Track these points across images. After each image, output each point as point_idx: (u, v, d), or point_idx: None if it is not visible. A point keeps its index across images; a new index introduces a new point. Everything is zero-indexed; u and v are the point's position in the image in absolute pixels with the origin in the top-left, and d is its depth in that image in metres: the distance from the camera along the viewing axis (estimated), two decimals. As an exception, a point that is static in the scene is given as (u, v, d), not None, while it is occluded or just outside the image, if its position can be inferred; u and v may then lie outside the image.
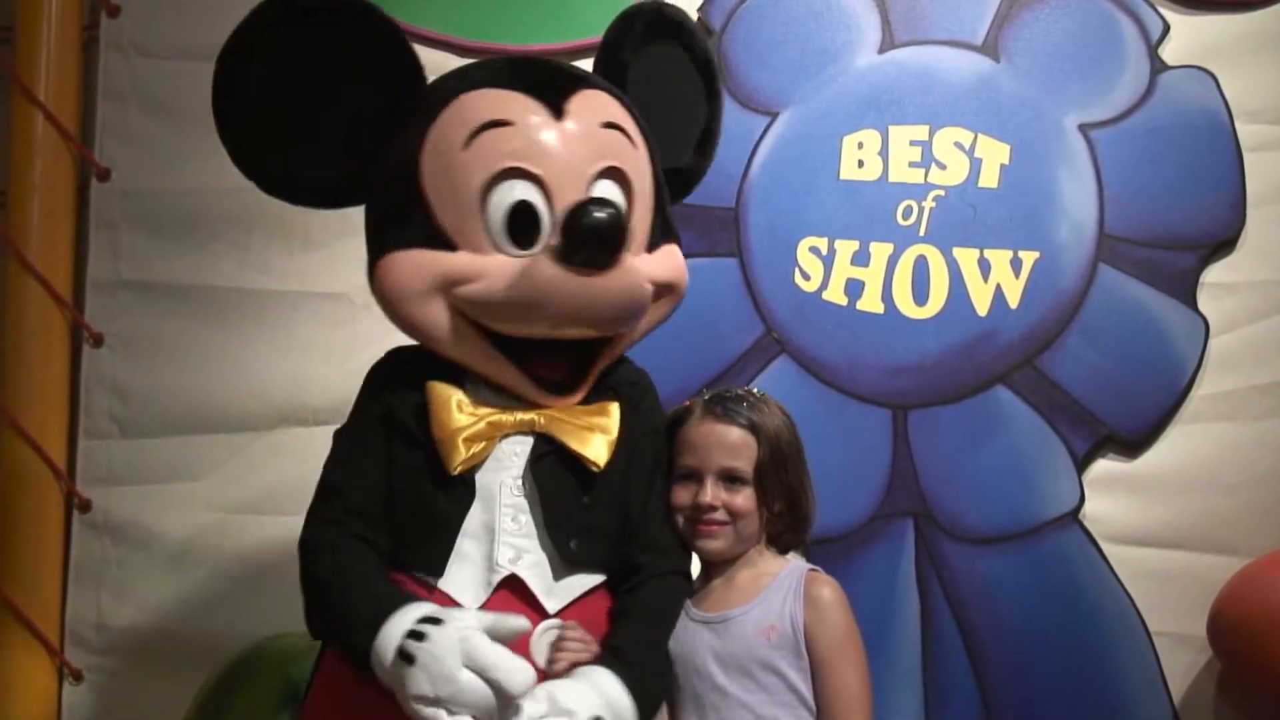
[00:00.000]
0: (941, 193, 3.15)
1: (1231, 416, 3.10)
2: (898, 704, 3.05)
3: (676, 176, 2.38)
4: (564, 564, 2.09)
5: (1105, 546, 3.06)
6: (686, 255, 3.07)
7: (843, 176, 3.17)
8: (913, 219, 3.15)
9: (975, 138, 3.17)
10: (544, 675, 1.99)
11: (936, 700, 3.05)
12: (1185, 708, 3.05)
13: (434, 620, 1.91)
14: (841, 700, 2.16)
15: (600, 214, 1.99)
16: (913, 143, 3.17)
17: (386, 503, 2.12)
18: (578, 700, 1.94)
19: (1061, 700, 3.04)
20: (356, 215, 3.22)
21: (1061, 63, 3.20)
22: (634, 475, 2.19)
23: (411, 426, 2.11)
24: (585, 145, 2.10)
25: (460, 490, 2.08)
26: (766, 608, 2.19)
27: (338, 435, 2.21)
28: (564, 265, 2.00)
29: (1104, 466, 3.11)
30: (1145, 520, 3.09)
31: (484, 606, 2.04)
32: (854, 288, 3.14)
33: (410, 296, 2.10)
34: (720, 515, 2.19)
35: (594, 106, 2.14)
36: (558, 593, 2.09)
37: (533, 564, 2.07)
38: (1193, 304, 3.11)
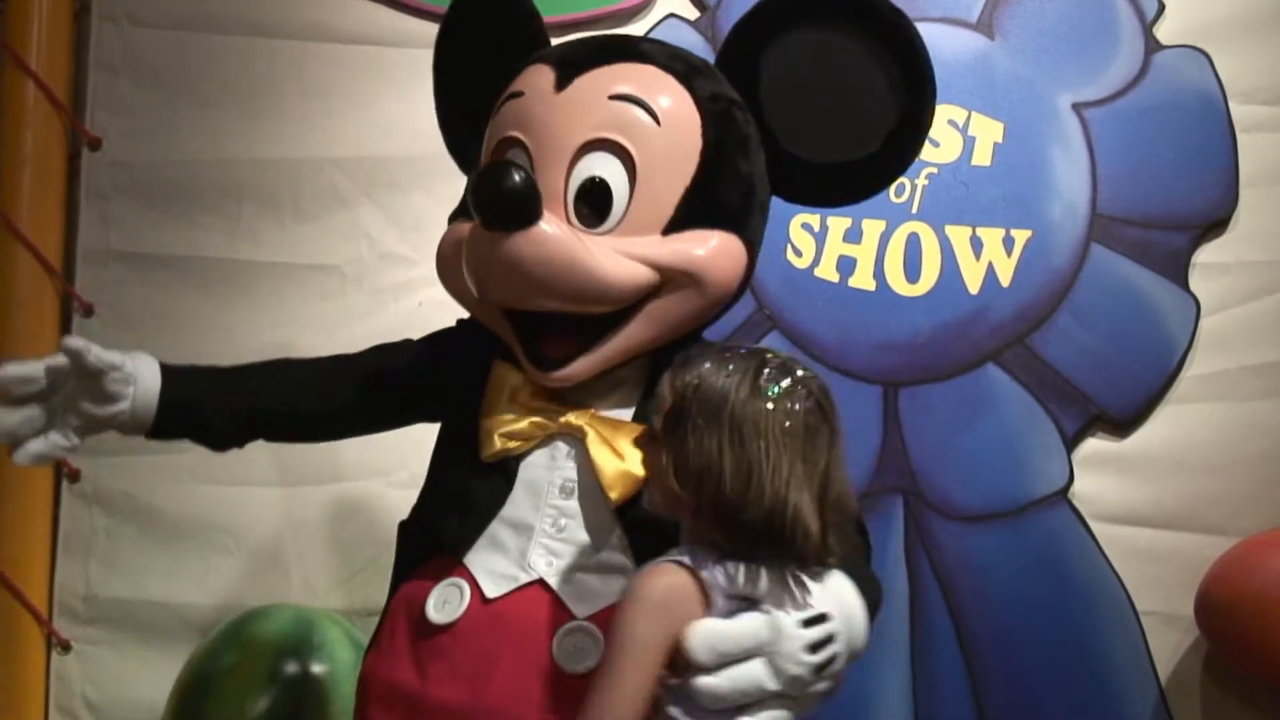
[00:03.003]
0: (934, 170, 3.15)
1: (1222, 397, 3.10)
2: (885, 681, 3.05)
3: (853, 171, 2.22)
4: (604, 571, 2.04)
5: (1094, 525, 3.06)
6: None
7: (836, 153, 3.17)
8: (905, 196, 3.14)
9: (969, 115, 3.16)
10: (566, 675, 1.96)
11: (924, 677, 3.06)
12: (1172, 687, 3.05)
13: None
14: (588, 706, 1.78)
15: (500, 177, 1.94)
16: (906, 120, 3.17)
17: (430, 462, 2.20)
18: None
19: (1049, 678, 3.04)
20: (346, 188, 3.25)
21: (1056, 41, 3.18)
22: None
23: (468, 395, 2.14)
24: (578, 115, 2.07)
25: (497, 477, 2.07)
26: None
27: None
28: (481, 229, 1.97)
29: (1094, 446, 3.11)
30: (1134, 500, 3.09)
31: (505, 601, 2.01)
32: (846, 265, 3.14)
33: (443, 263, 2.15)
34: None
35: (611, 79, 2.10)
36: (589, 599, 2.02)
37: (563, 570, 2.03)
38: (1184, 284, 3.11)
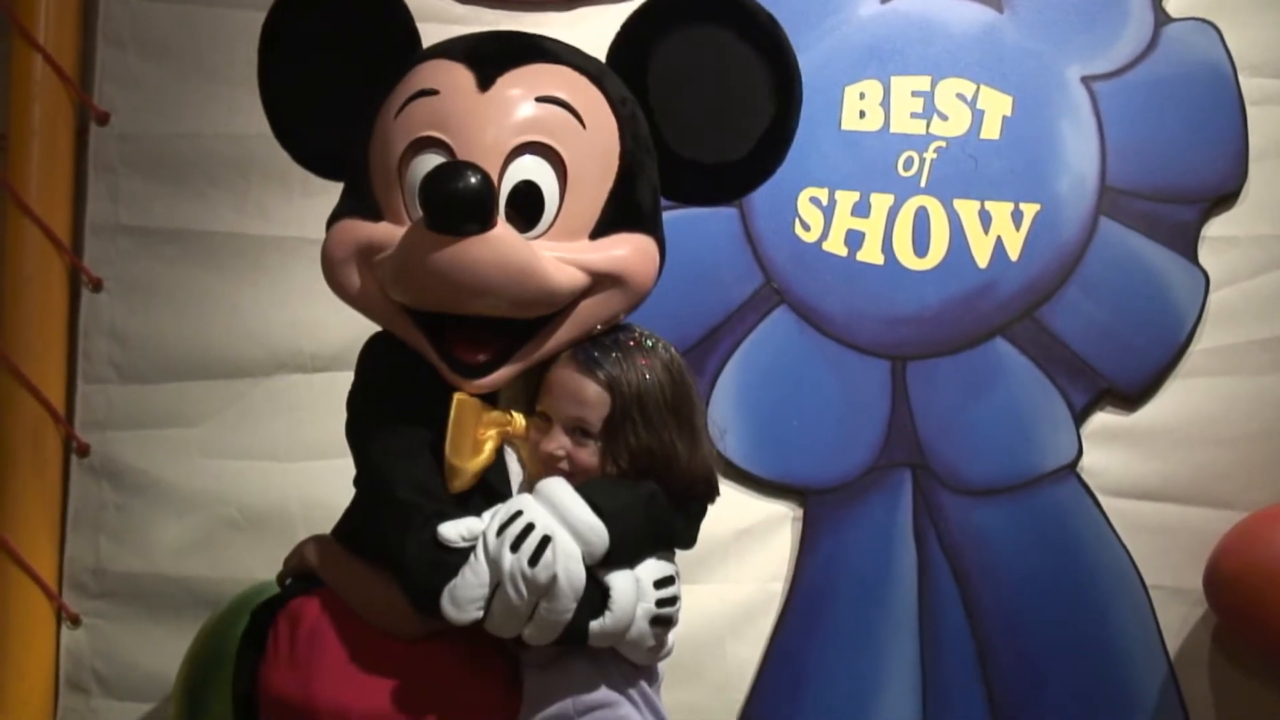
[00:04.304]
0: (943, 144, 3.14)
1: (1230, 371, 3.10)
2: (893, 653, 3.06)
3: (729, 171, 2.26)
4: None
5: (1102, 499, 3.07)
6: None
7: (844, 127, 3.16)
8: (914, 170, 3.14)
9: (977, 89, 3.16)
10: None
11: (932, 651, 3.06)
12: (1180, 660, 3.06)
13: None
14: None
15: (456, 180, 1.91)
16: (914, 93, 3.16)
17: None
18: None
19: (1057, 651, 3.06)
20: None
21: (1065, 14, 3.19)
22: None
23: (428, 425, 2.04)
24: (506, 117, 2.02)
25: (488, 499, 2.03)
26: None
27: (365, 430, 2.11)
28: (428, 231, 1.93)
29: (1102, 419, 3.12)
30: (1143, 473, 3.10)
31: None
32: (854, 238, 3.13)
33: (335, 264, 2.09)
34: (565, 466, 2.01)
35: (535, 80, 2.06)
36: None
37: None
38: (1193, 258, 3.11)
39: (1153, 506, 3.09)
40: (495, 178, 1.97)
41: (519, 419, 2.05)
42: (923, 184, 3.14)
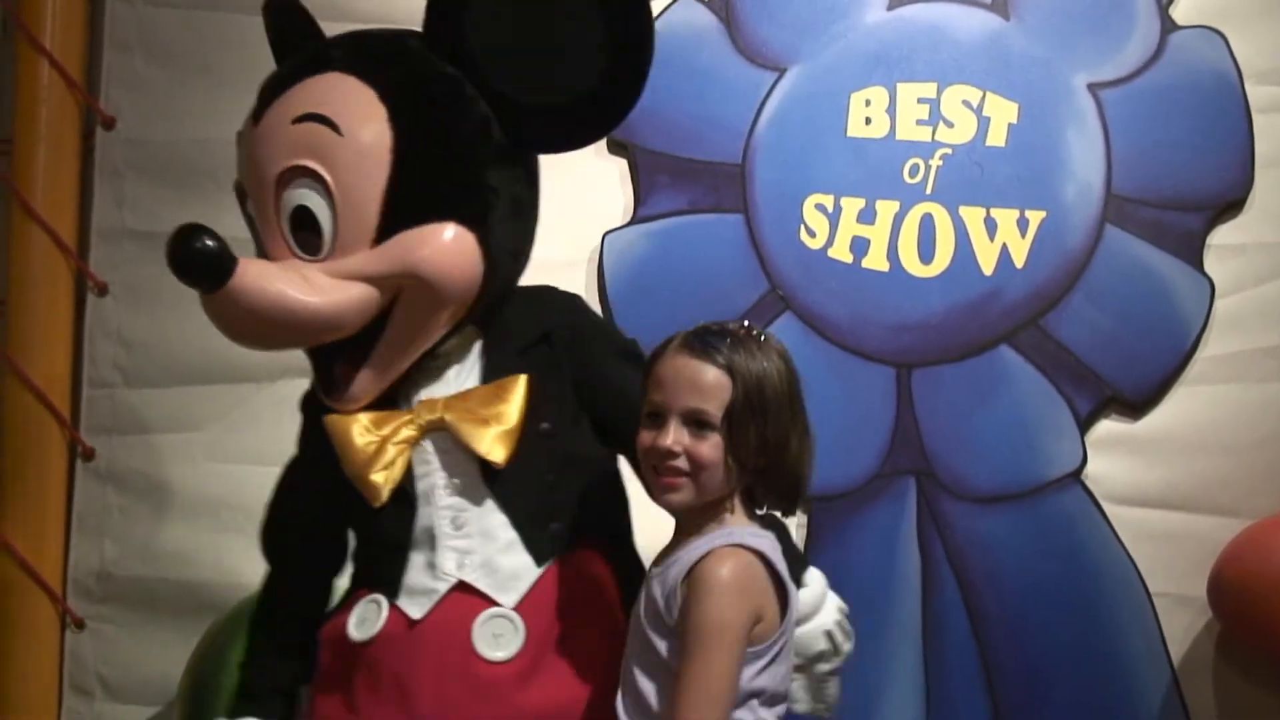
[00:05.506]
0: (949, 151, 3.14)
1: (1236, 378, 3.09)
2: (897, 660, 3.06)
3: (588, 103, 2.08)
4: (506, 550, 2.04)
5: (1107, 507, 3.06)
6: (692, 210, 3.14)
7: (850, 134, 3.16)
8: (919, 177, 3.14)
9: (984, 96, 3.15)
10: (487, 665, 1.98)
11: (936, 657, 3.06)
12: (1184, 669, 3.05)
13: None
14: (691, 698, 1.81)
15: (177, 248, 1.94)
16: (920, 100, 3.16)
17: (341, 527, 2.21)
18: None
19: (1061, 659, 3.04)
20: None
21: (1071, 21, 3.17)
22: (576, 409, 2.13)
23: (332, 464, 2.10)
24: (268, 148, 2.04)
25: (401, 504, 2.06)
26: (667, 577, 1.91)
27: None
28: None
29: (1107, 427, 3.11)
30: (1147, 481, 3.09)
31: (433, 614, 2.01)
32: (859, 245, 3.13)
33: None
34: (682, 463, 1.87)
35: (295, 100, 2.03)
36: (510, 584, 2.03)
37: (479, 564, 2.03)
38: (1199, 265, 3.10)
39: (1157, 514, 3.08)
40: (273, 209, 2.02)
41: (424, 408, 2.05)
42: (928, 191, 3.13)
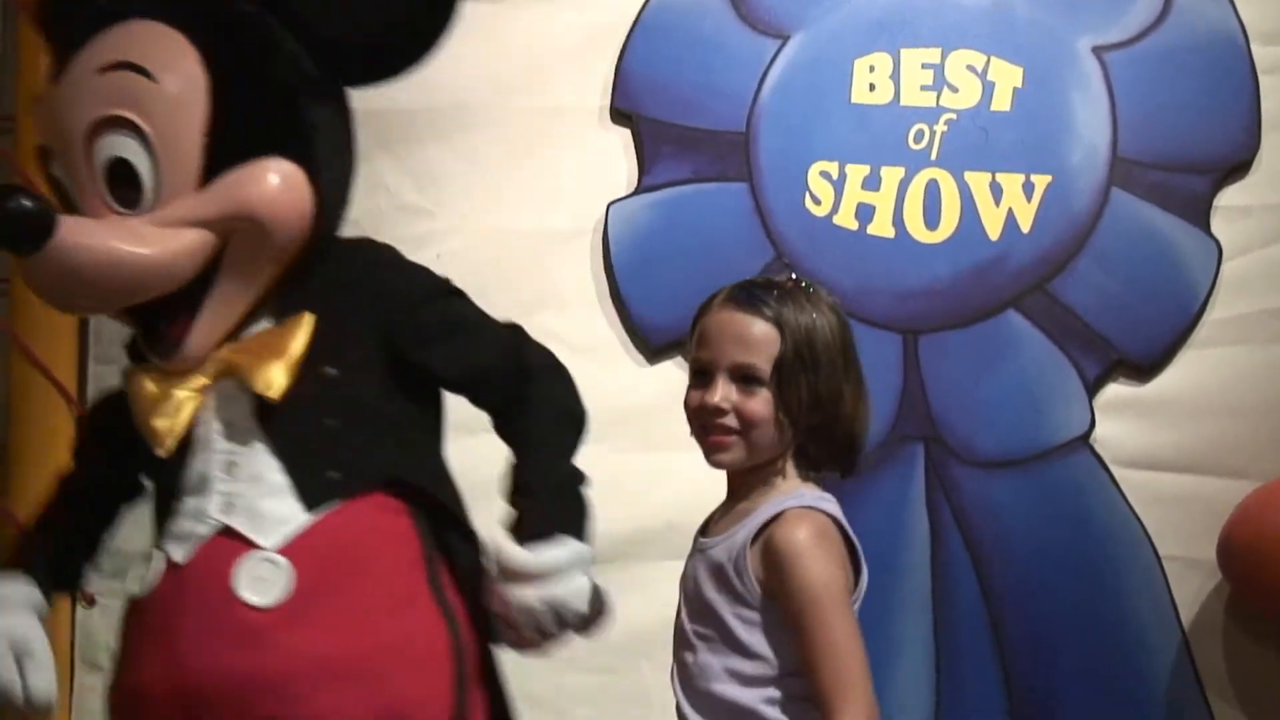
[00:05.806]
0: (953, 116, 3.13)
1: (1243, 340, 3.09)
2: (907, 628, 3.06)
3: (399, 31, 2.04)
4: (273, 494, 1.95)
5: (1115, 470, 3.07)
6: (697, 179, 3.13)
7: (854, 100, 3.15)
8: (924, 143, 3.13)
9: (988, 60, 3.15)
10: (249, 609, 1.91)
11: (945, 622, 3.07)
12: (1194, 631, 3.06)
13: None
14: (828, 662, 1.79)
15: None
16: (924, 66, 3.15)
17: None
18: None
19: (1070, 623, 3.06)
20: (362, 140, 3.23)
21: (1075, -16, 3.17)
22: (375, 356, 2.02)
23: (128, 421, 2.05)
24: (74, 100, 1.95)
25: (186, 454, 1.99)
26: (733, 543, 1.86)
27: None
28: None
29: (1115, 391, 3.11)
30: (1156, 444, 3.09)
31: (192, 560, 1.94)
32: (865, 212, 3.13)
33: None
34: (730, 421, 1.82)
35: (100, 51, 1.96)
36: (274, 527, 1.93)
37: (245, 508, 1.94)
38: (1206, 227, 3.10)
39: (1166, 477, 3.08)
40: (86, 164, 1.92)
41: (214, 354, 1.97)
42: (933, 156, 3.12)
